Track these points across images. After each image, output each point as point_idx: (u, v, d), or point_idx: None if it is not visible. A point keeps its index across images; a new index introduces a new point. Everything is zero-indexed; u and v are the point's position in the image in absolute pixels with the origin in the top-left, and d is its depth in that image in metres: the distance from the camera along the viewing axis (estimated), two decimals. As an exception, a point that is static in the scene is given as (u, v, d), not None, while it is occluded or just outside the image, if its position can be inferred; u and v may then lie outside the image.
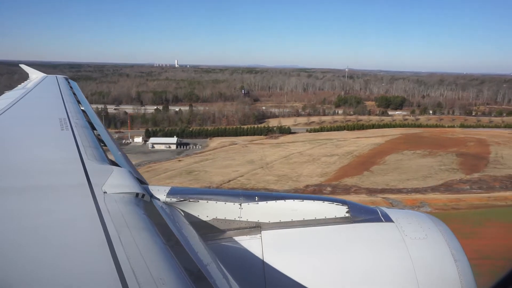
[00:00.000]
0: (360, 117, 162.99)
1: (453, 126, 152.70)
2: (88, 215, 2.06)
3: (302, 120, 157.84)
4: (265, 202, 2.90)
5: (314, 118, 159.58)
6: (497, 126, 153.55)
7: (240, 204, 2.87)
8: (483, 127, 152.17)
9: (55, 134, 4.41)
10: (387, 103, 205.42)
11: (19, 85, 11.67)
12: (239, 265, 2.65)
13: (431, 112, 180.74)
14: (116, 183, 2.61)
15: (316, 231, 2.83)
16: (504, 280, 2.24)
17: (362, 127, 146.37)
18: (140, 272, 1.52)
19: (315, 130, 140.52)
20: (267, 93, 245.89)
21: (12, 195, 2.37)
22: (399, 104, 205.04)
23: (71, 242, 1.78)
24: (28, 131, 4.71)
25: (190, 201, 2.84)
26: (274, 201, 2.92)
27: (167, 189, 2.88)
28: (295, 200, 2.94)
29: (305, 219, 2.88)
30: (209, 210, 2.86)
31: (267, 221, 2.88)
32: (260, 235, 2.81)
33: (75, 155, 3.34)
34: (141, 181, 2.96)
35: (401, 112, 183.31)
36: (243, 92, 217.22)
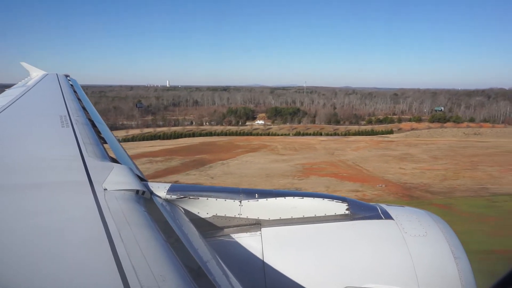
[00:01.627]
0: (203, 128, 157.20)
1: (288, 134, 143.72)
2: (88, 212, 2.05)
3: (135, 131, 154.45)
4: (265, 199, 2.90)
5: (150, 130, 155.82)
6: (337, 134, 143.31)
7: (240, 201, 2.87)
8: (327, 134, 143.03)
9: (56, 131, 4.38)
10: (277, 114, 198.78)
11: (19, 82, 11.80)
12: (239, 262, 2.67)
13: (299, 121, 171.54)
14: (116, 180, 2.59)
15: (316, 228, 2.83)
16: (504, 280, 2.19)
17: (180, 135, 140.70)
18: (141, 269, 1.52)
19: (125, 140, 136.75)
20: (184, 108, 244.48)
21: (12, 192, 2.34)
22: (290, 114, 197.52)
23: (71, 239, 1.77)
24: (29, 128, 4.70)
25: (190, 198, 2.83)
26: (274, 198, 2.91)
27: (168, 186, 2.87)
28: (295, 197, 2.93)
29: (305, 216, 2.88)
30: (209, 207, 2.86)
31: (267, 218, 2.88)
32: (260, 232, 2.82)
33: (76, 152, 3.34)
34: (142, 178, 2.98)
35: (261, 122, 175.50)
36: (137, 106, 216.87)
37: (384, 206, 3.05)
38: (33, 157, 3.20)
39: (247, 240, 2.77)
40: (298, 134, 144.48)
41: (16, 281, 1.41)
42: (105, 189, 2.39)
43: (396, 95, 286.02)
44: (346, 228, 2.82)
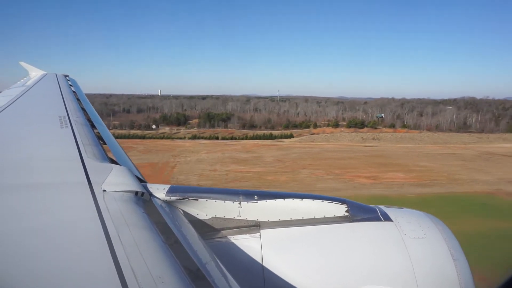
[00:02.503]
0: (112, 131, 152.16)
1: (183, 138, 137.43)
2: (87, 213, 2.04)
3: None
4: (265, 201, 2.89)
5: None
6: (234, 138, 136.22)
7: (240, 203, 2.85)
8: (223, 138, 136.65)
9: (55, 132, 4.34)
10: (209, 119, 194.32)
11: (18, 82, 11.73)
12: (238, 264, 2.67)
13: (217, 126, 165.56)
14: (115, 181, 2.57)
15: (315, 230, 2.83)
16: (506, 285, 2.20)
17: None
18: (140, 270, 1.51)
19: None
20: (133, 114, 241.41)
21: (11, 193, 2.34)
22: (222, 119, 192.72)
23: (70, 240, 1.76)
24: (28, 128, 4.65)
25: (189, 199, 2.82)
26: (274, 200, 2.91)
27: (167, 187, 2.86)
28: (294, 199, 2.92)
29: (304, 218, 2.88)
30: (208, 209, 2.85)
31: (266, 220, 2.88)
32: (259, 234, 2.82)
33: (75, 153, 3.32)
34: (141, 180, 2.95)
35: (153, 126, 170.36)
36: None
37: (383, 208, 3.03)
38: (32, 157, 3.19)
39: (246, 242, 2.75)
40: (194, 137, 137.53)
41: (15, 283, 1.38)
42: (104, 190, 2.37)
43: (366, 103, 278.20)
44: (345, 230, 2.80)
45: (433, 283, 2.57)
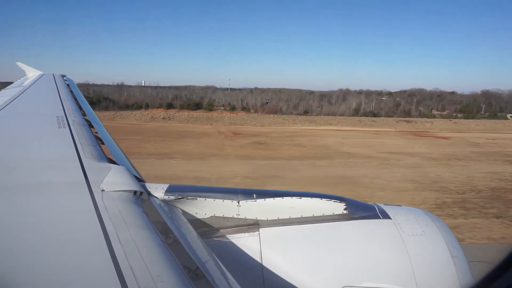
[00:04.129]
0: None
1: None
2: (86, 213, 2.04)
3: None
4: (263, 199, 2.91)
5: None
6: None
7: (238, 202, 2.87)
8: None
9: (52, 132, 4.36)
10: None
11: (15, 82, 11.89)
12: (237, 263, 2.68)
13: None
14: (114, 181, 2.58)
15: (314, 228, 2.84)
16: (500, 267, 2.22)
17: None
18: (139, 270, 1.51)
19: None
20: None
21: (9, 192, 2.33)
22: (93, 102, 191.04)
23: (68, 240, 1.75)
24: (25, 129, 4.68)
25: (188, 198, 2.83)
26: (272, 198, 2.92)
27: (165, 186, 2.86)
28: (293, 197, 2.94)
29: (303, 216, 2.89)
30: (207, 208, 2.86)
31: (265, 219, 2.89)
32: (258, 232, 2.83)
33: (73, 153, 3.32)
34: (139, 179, 2.97)
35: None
36: None
37: (382, 205, 3.06)
38: (30, 158, 3.19)
39: (245, 241, 2.76)
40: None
41: (13, 282, 1.38)
42: (103, 190, 2.37)
43: (313, 92, 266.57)
44: (344, 227, 2.82)
45: (431, 280, 2.56)
